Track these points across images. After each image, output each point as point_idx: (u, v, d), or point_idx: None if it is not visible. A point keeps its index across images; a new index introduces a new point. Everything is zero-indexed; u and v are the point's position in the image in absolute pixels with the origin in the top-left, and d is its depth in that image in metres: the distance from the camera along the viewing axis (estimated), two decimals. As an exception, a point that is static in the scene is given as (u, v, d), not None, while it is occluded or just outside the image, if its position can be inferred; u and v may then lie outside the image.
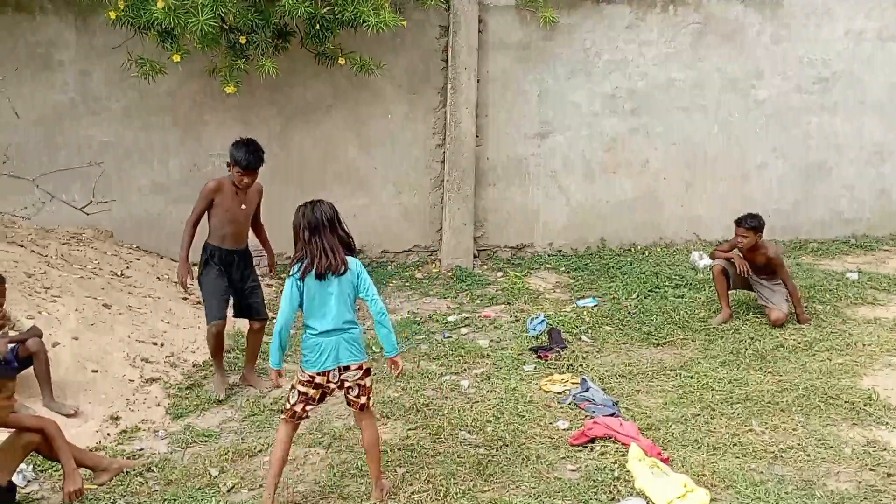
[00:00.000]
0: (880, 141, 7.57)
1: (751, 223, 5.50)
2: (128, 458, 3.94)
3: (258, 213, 4.85)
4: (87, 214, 5.60)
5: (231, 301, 4.76)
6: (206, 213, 4.61)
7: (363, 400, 3.50)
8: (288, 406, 3.48)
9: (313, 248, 3.36)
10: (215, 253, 4.62)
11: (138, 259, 6.36)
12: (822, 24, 7.30)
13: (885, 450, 3.89)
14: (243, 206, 4.63)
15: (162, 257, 6.67)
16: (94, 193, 5.64)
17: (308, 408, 3.48)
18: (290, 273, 3.38)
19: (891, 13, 7.33)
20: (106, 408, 4.34)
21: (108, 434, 4.16)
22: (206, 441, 4.13)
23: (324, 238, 3.38)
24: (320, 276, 3.36)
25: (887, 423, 4.15)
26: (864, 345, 5.15)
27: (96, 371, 4.55)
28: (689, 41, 7.20)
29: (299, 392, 3.45)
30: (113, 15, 5.63)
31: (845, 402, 4.38)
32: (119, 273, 5.89)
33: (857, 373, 4.76)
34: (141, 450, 4.05)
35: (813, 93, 7.40)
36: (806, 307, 5.85)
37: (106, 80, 6.58)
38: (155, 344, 5.02)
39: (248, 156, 4.43)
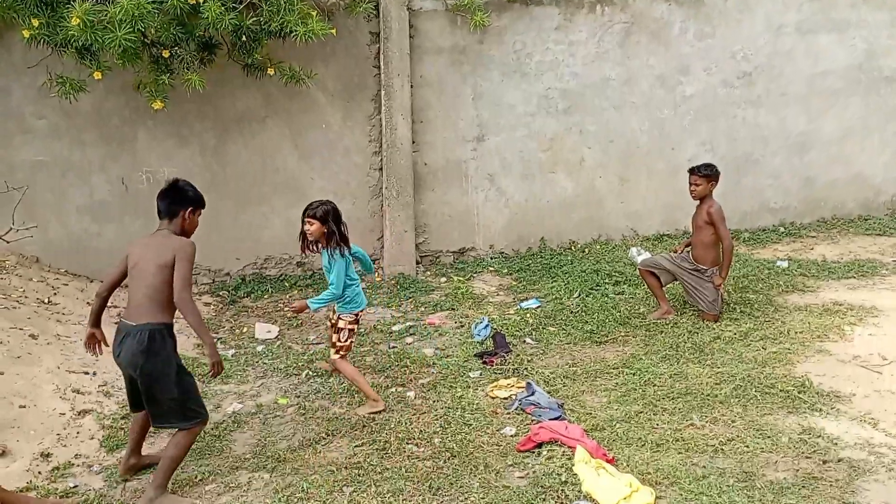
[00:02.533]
0: (804, 131, 7.83)
1: (704, 171, 5.48)
2: (61, 496, 3.77)
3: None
4: (7, 242, 5.35)
5: None
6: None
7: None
8: (344, 345, 4.56)
9: (345, 231, 4.48)
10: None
11: (66, 284, 6.12)
12: (744, 19, 7.51)
13: (819, 437, 4.01)
14: None
15: (92, 280, 6.44)
16: (13, 220, 5.39)
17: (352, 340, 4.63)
18: (342, 254, 4.42)
19: (808, 7, 7.59)
20: (36, 444, 4.14)
21: (40, 472, 3.97)
22: (144, 473, 3.99)
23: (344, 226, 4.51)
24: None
25: (821, 410, 4.29)
26: (796, 332, 5.31)
27: (24, 406, 4.34)
28: (617, 40, 7.32)
29: (349, 331, 4.57)
30: (27, 34, 5.40)
31: (780, 390, 4.51)
32: (46, 300, 5.66)
33: (790, 361, 4.90)
34: (75, 487, 3.89)
35: (737, 86, 7.61)
36: (740, 297, 6.01)
37: (27, 97, 6.32)
38: (86, 373, 4.83)
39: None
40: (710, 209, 5.48)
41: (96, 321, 3.89)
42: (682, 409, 4.38)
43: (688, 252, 5.72)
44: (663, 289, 5.82)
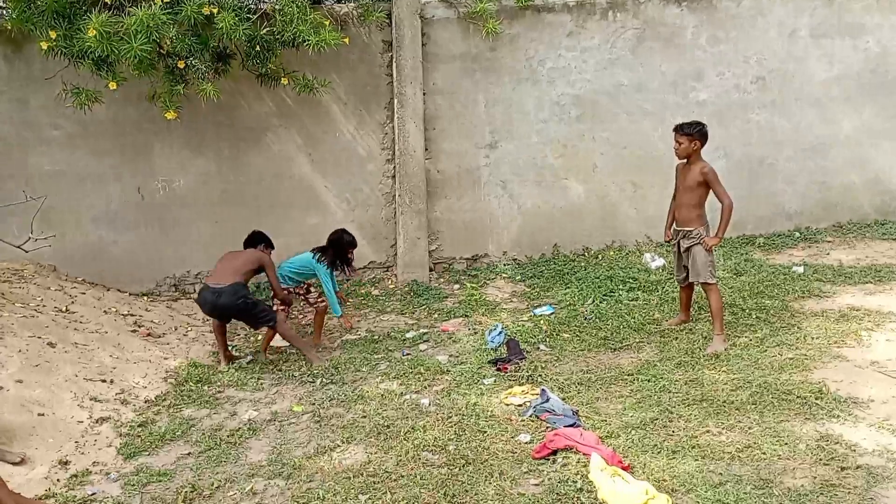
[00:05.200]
0: (819, 135, 7.78)
1: (686, 129, 5.29)
2: (80, 504, 3.81)
3: None
4: (26, 252, 5.42)
5: None
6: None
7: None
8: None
9: (348, 257, 5.91)
10: None
11: (83, 293, 6.18)
12: (757, 24, 7.49)
13: (837, 443, 3.98)
14: None
15: (108, 289, 6.50)
16: (31, 229, 5.46)
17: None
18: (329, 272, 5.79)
19: (822, 11, 7.55)
20: (54, 452, 4.18)
21: (58, 480, 4.01)
22: (161, 480, 4.02)
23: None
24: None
25: (838, 416, 4.25)
26: (812, 338, 5.26)
27: (43, 414, 4.39)
28: (629, 46, 7.31)
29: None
30: (44, 46, 5.47)
31: (797, 397, 4.47)
32: (64, 309, 5.72)
33: (807, 367, 4.86)
34: (93, 494, 3.92)
35: (751, 91, 7.58)
36: (755, 303, 5.97)
37: (45, 108, 6.41)
38: (104, 381, 4.87)
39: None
40: (704, 169, 5.29)
41: None
42: (697, 416, 4.36)
43: (675, 230, 5.55)
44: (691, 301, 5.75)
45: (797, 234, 7.75)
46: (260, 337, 6.16)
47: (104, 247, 6.73)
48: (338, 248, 5.80)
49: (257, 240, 5.94)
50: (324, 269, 5.75)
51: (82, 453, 4.24)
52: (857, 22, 7.63)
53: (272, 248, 5.98)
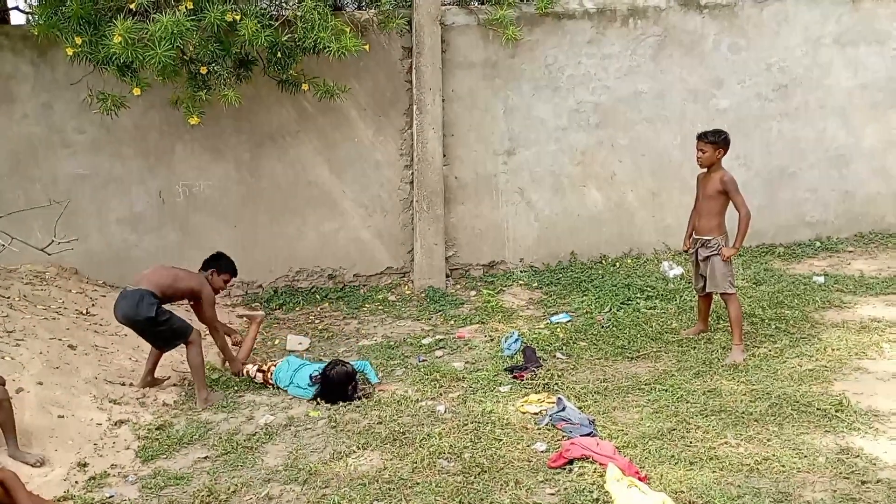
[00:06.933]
0: (843, 144, 7.70)
1: (711, 137, 5.26)
2: (98, 505, 3.85)
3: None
4: (49, 255, 5.50)
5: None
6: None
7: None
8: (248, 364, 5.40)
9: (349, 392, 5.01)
10: None
11: (104, 296, 6.25)
12: (780, 32, 7.43)
13: (857, 456, 3.93)
14: None
15: (130, 292, 6.56)
16: (55, 232, 5.54)
17: None
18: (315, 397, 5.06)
19: (848, 18, 7.48)
20: (73, 454, 4.23)
21: (77, 482, 4.05)
22: (178, 484, 4.05)
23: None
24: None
25: (859, 429, 4.20)
26: (833, 349, 5.20)
27: (62, 416, 4.44)
28: (650, 53, 7.29)
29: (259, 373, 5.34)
30: (70, 51, 5.55)
31: (817, 409, 4.42)
32: (84, 311, 5.79)
33: (827, 378, 4.80)
34: (111, 497, 3.96)
35: (773, 99, 7.52)
36: (775, 313, 5.91)
37: (69, 112, 6.52)
38: (123, 384, 4.92)
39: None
40: (724, 178, 5.26)
41: None
42: (716, 427, 4.32)
43: (694, 238, 5.51)
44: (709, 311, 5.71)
45: (818, 244, 7.67)
46: (278, 342, 6.19)
47: (126, 250, 6.80)
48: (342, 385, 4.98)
49: (208, 263, 5.25)
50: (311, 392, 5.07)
51: (101, 456, 4.28)
52: (885, 29, 7.55)
53: (231, 274, 5.33)
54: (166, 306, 4.92)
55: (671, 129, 7.43)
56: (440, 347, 5.88)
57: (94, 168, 6.70)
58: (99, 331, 5.55)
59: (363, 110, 7.00)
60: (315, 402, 4.95)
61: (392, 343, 6.01)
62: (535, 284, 7.08)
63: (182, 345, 4.93)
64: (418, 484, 3.92)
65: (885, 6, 7.51)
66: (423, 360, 5.63)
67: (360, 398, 4.96)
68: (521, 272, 7.36)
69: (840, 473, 3.80)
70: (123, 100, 5.99)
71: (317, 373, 5.00)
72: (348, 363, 5.05)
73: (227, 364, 5.38)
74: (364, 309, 6.80)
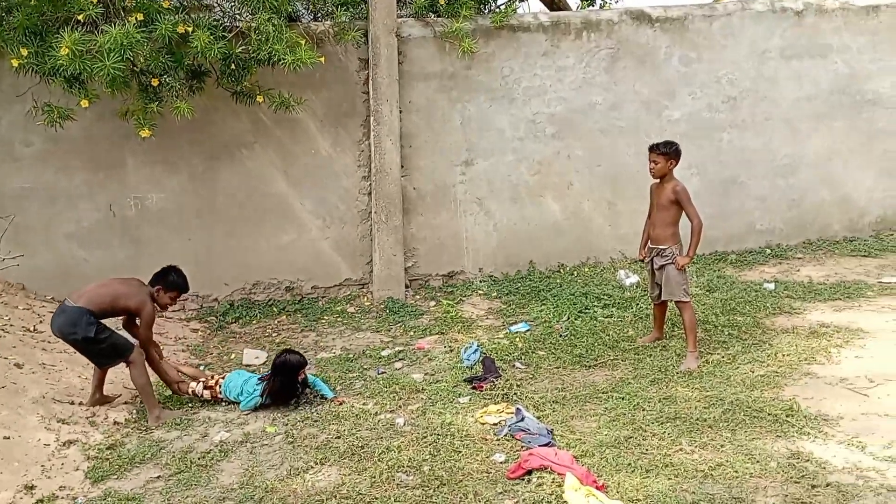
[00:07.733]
0: (789, 154, 7.91)
1: (662, 149, 5.34)
2: (46, 530, 3.73)
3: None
4: (-6, 270, 5.37)
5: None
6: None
7: None
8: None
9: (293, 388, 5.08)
10: None
11: (52, 312, 6.06)
12: (728, 45, 7.62)
13: (808, 461, 4.02)
14: None
15: (80, 308, 6.39)
16: None
17: None
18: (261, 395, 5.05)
19: (792, 32, 7.70)
20: (20, 476, 4.09)
21: (24, 505, 3.93)
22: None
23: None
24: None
25: (809, 434, 4.30)
26: (783, 355, 5.33)
27: (8, 437, 4.30)
28: (604, 66, 7.40)
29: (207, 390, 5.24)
30: (15, 63, 5.41)
31: (769, 414, 4.51)
32: (31, 328, 5.62)
33: (778, 384, 4.91)
34: (60, 520, 3.85)
35: (723, 111, 7.70)
36: (727, 319, 6.04)
37: (16, 125, 6.34)
38: (72, 403, 4.79)
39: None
40: (677, 188, 5.36)
41: None
42: (671, 434, 4.38)
43: (649, 247, 5.58)
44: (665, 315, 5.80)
45: (768, 251, 7.85)
46: (234, 356, 6.10)
47: (75, 265, 6.64)
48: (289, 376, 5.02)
49: (156, 279, 5.06)
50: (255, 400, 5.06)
51: (49, 477, 4.15)
52: (827, 43, 7.79)
53: (180, 290, 5.15)
54: (107, 321, 4.83)
55: (626, 140, 7.55)
56: (399, 359, 5.86)
57: (41, 182, 6.52)
58: (47, 348, 5.40)
59: (320, 122, 6.96)
60: (262, 399, 4.98)
61: (351, 355, 5.97)
62: (495, 294, 7.10)
63: (124, 363, 4.82)
64: (377, 499, 3.89)
65: (827, 21, 7.76)
66: (383, 373, 5.60)
67: (306, 395, 5.08)
68: (480, 282, 7.38)
69: (791, 478, 3.88)
70: (70, 112, 5.85)
71: (267, 373, 5.08)
72: (299, 352, 5.17)
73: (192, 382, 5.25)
74: (322, 321, 6.75)
